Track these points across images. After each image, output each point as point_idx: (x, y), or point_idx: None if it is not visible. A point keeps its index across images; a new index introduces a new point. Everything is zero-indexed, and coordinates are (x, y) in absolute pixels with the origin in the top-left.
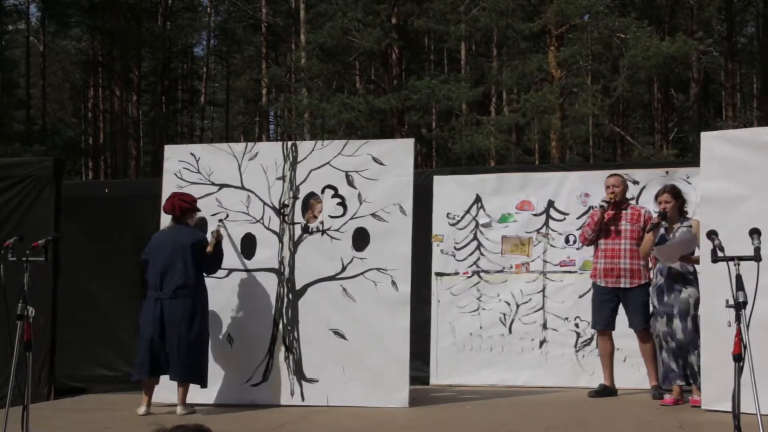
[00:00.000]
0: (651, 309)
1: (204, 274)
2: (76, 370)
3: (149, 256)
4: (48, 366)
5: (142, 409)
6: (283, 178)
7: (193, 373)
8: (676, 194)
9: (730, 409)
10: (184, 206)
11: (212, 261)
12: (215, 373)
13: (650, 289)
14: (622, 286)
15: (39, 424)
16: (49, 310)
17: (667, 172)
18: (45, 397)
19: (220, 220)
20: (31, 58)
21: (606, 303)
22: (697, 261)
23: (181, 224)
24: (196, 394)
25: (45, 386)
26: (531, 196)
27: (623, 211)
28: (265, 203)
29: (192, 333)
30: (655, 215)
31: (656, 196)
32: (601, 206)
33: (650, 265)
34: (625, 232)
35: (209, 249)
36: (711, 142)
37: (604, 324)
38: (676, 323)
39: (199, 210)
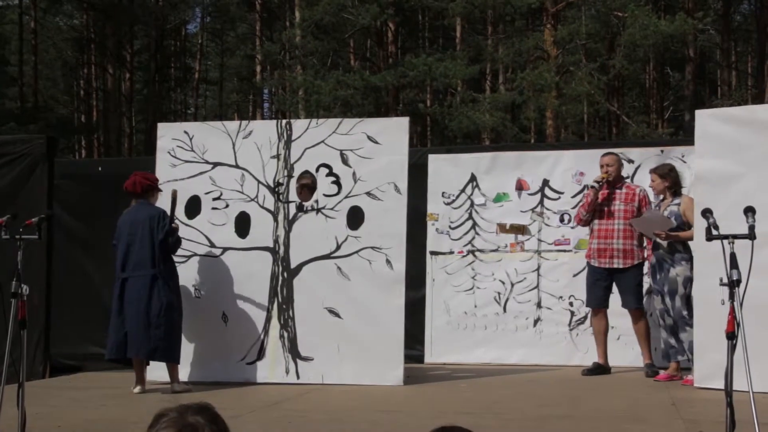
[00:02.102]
0: (647, 287)
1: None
2: (71, 349)
3: (116, 239)
4: (43, 344)
5: (137, 389)
6: (277, 156)
7: (151, 350)
8: (662, 174)
9: (722, 386)
10: (146, 183)
11: (172, 240)
12: (211, 351)
13: (648, 267)
14: (615, 266)
15: (34, 402)
16: (44, 289)
17: (662, 151)
18: (40, 375)
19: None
20: (23, 35)
21: (599, 282)
22: (670, 238)
23: (144, 203)
24: (191, 372)
25: (40, 364)
26: (526, 175)
27: (618, 191)
28: (259, 182)
29: (152, 309)
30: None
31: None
32: (592, 186)
33: (645, 243)
34: (619, 213)
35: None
36: (705, 120)
37: (597, 303)
38: (667, 301)
39: (161, 190)
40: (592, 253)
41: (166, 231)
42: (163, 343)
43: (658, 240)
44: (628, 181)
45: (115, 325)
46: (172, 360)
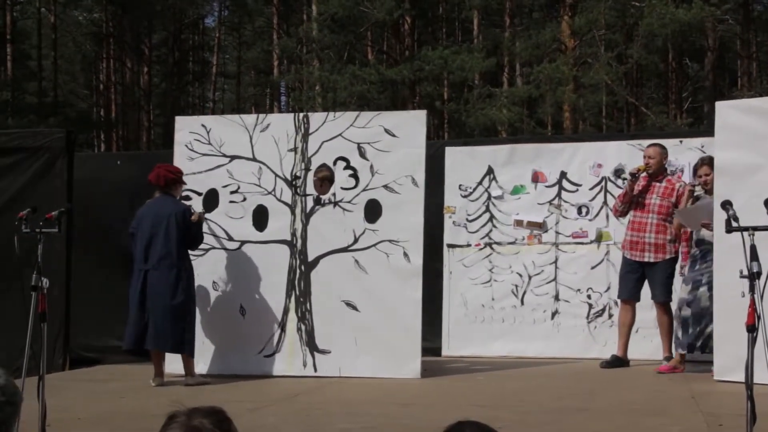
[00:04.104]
0: (680, 277)
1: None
2: (90, 341)
3: (135, 229)
4: (63, 337)
5: (155, 381)
6: (294, 149)
7: (176, 343)
8: (714, 166)
9: (742, 379)
10: (170, 177)
11: (195, 234)
12: (228, 344)
13: (687, 260)
14: (646, 260)
15: (54, 393)
16: (63, 281)
17: (681, 142)
18: (60, 368)
19: (202, 212)
20: (42, 29)
21: (630, 274)
22: None
23: (167, 195)
24: (209, 365)
25: (60, 356)
26: (543, 167)
27: (657, 184)
28: (276, 175)
29: (175, 302)
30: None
31: (695, 169)
32: (624, 178)
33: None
34: (654, 206)
35: (194, 218)
36: (726, 111)
37: (626, 294)
38: (702, 291)
39: (184, 183)
40: (625, 245)
41: (200, 232)
42: (187, 336)
43: (706, 230)
44: (672, 175)
45: (135, 316)
46: (192, 353)
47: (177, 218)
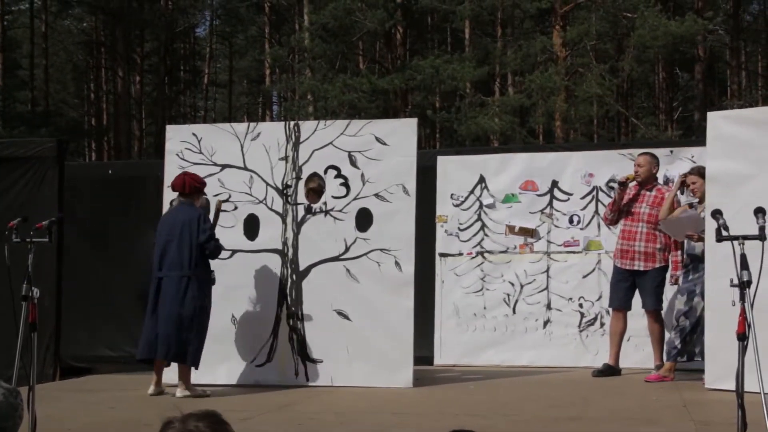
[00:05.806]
0: (671, 286)
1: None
2: (81, 351)
3: (156, 238)
4: (53, 346)
5: (151, 389)
6: (285, 158)
7: (180, 353)
8: (703, 174)
9: (733, 388)
10: (194, 185)
11: (213, 244)
12: (220, 353)
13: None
14: (636, 268)
15: (45, 404)
16: (54, 291)
17: (671, 152)
18: (51, 378)
19: (222, 201)
20: (34, 38)
21: (621, 283)
22: (703, 240)
23: (187, 203)
24: (201, 375)
25: (50, 367)
26: (535, 176)
27: (647, 193)
28: (267, 184)
29: (183, 311)
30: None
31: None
32: (613, 186)
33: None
34: (643, 215)
35: (218, 203)
36: (717, 121)
37: (618, 303)
38: (697, 300)
39: (205, 194)
40: (616, 253)
41: (208, 235)
42: (191, 348)
43: (692, 242)
44: (661, 184)
45: (147, 324)
46: (195, 364)
47: (192, 225)
